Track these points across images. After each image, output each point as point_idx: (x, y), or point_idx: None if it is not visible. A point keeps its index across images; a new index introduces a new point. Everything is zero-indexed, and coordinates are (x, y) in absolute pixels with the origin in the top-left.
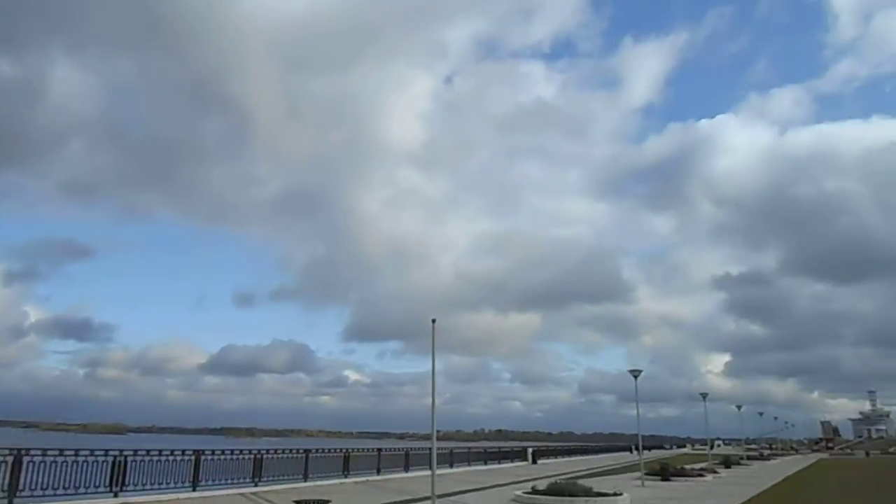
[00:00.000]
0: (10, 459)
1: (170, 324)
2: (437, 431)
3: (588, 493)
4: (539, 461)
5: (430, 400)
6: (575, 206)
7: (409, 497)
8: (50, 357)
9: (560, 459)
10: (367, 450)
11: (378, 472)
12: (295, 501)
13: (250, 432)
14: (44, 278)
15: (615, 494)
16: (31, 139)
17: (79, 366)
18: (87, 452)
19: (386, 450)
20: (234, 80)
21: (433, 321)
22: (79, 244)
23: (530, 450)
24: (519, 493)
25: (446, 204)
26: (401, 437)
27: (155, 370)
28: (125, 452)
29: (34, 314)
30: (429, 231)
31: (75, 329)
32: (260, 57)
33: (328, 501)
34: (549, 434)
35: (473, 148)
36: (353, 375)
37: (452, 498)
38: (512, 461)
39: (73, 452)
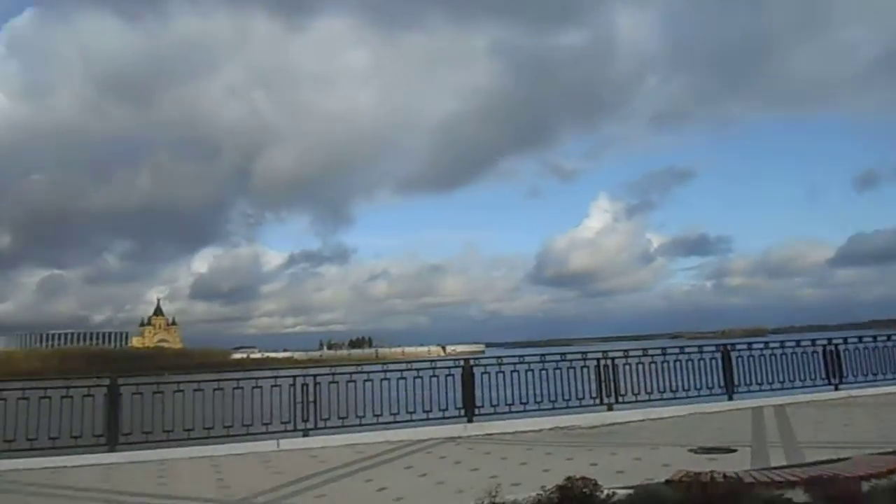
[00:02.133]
0: (718, 356)
1: (784, 223)
2: None
3: None
4: None
5: None
6: None
7: None
8: (678, 274)
9: None
10: None
11: None
12: None
13: None
14: (656, 206)
15: None
16: (611, 89)
17: (705, 278)
18: (792, 344)
19: None
20: None
21: None
22: (679, 168)
23: None
24: None
25: None
26: None
27: (779, 271)
28: (834, 341)
29: (656, 240)
30: None
31: (695, 246)
32: None
33: None
34: None
35: None
36: None
37: None
38: None
39: (778, 345)
